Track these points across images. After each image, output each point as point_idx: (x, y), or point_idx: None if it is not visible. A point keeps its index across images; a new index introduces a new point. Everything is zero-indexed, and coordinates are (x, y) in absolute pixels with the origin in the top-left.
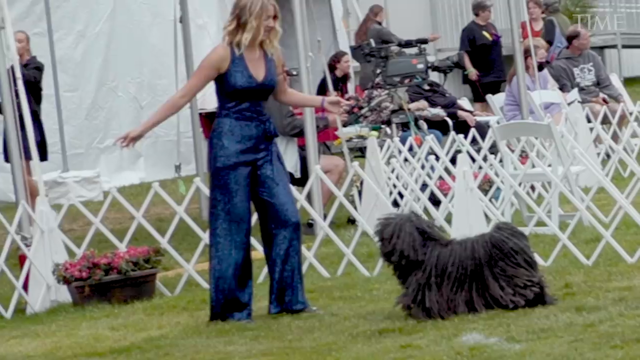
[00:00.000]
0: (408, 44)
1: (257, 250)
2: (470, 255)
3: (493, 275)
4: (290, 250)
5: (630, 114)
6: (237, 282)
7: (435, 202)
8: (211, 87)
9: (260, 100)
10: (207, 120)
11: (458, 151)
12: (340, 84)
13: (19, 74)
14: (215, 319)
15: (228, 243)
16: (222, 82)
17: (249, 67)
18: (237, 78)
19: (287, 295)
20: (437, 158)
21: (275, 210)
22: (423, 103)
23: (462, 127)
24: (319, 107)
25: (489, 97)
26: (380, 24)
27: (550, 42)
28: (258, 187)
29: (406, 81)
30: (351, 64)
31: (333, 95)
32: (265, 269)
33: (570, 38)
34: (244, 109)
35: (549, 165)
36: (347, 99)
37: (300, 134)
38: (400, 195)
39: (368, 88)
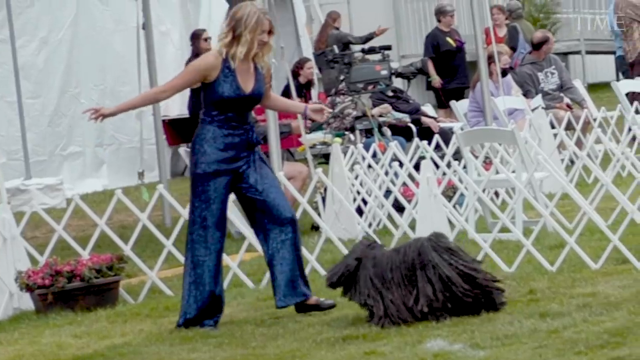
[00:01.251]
0: (371, 50)
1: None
2: (402, 259)
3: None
4: (287, 244)
5: (594, 120)
6: (211, 288)
7: (399, 208)
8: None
9: (245, 110)
10: (170, 127)
11: (422, 157)
12: (304, 90)
13: None
14: (188, 325)
15: (203, 249)
16: (210, 90)
17: (239, 78)
18: (225, 88)
19: (291, 288)
20: (401, 164)
21: (269, 207)
22: (386, 107)
23: (426, 134)
24: (302, 115)
25: (452, 103)
26: (338, 29)
27: (513, 48)
28: (245, 191)
29: (370, 87)
30: (315, 71)
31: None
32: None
33: (540, 43)
34: (229, 118)
35: (513, 172)
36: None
37: (263, 140)
38: (364, 201)
39: (332, 95)
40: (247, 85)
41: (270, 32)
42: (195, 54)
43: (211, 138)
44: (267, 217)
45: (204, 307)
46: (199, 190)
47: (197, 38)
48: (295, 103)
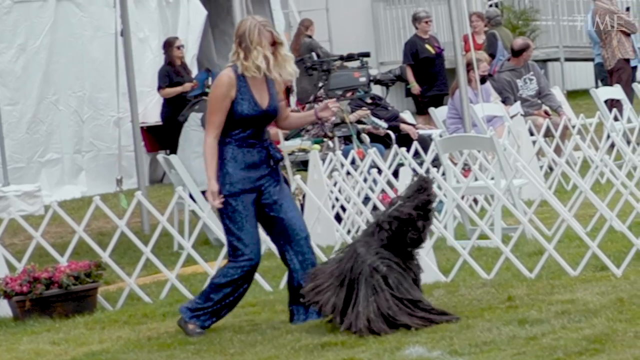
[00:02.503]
0: (350, 57)
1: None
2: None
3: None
4: (303, 264)
5: (573, 127)
6: (230, 309)
7: None
8: (154, 99)
9: (263, 127)
10: (149, 134)
11: (400, 164)
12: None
13: None
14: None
15: (239, 268)
16: (229, 110)
17: (254, 94)
18: (244, 106)
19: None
20: (380, 171)
21: (284, 226)
22: (365, 111)
23: (405, 141)
24: (316, 119)
25: (431, 110)
26: (310, 37)
27: (492, 55)
28: (265, 209)
29: (348, 94)
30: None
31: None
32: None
33: (520, 50)
34: (247, 136)
35: (492, 178)
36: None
37: None
38: (343, 208)
39: (309, 102)
40: (263, 101)
41: (275, 44)
42: (168, 62)
43: (232, 158)
44: (282, 236)
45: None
46: (229, 210)
47: (169, 46)
48: (306, 113)
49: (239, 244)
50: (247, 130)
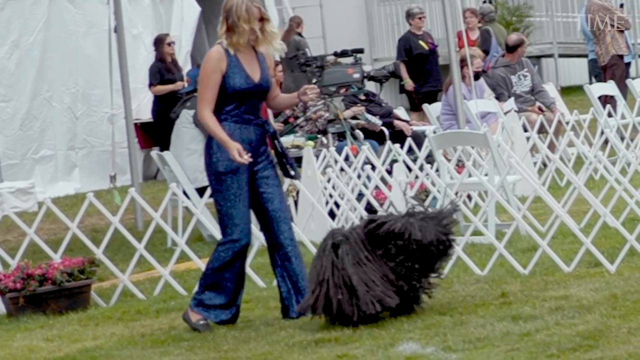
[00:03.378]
0: (344, 53)
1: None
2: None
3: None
4: (291, 259)
5: (567, 123)
6: (227, 286)
7: (372, 211)
8: (147, 96)
9: (257, 102)
10: (142, 130)
11: (394, 161)
12: None
13: None
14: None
15: (229, 249)
16: (221, 85)
17: (245, 67)
18: (236, 80)
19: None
20: (374, 168)
21: (270, 218)
22: (359, 107)
23: (399, 137)
24: (298, 101)
25: (425, 106)
26: (300, 34)
27: (486, 52)
28: (256, 189)
29: (342, 91)
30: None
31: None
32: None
33: (515, 46)
34: (243, 112)
35: (486, 175)
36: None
37: None
38: (337, 205)
39: None
40: (255, 74)
41: (262, 19)
42: (159, 58)
43: (229, 134)
44: (269, 231)
45: (216, 302)
46: (224, 187)
47: (160, 43)
48: (291, 95)
49: (230, 223)
50: (242, 105)
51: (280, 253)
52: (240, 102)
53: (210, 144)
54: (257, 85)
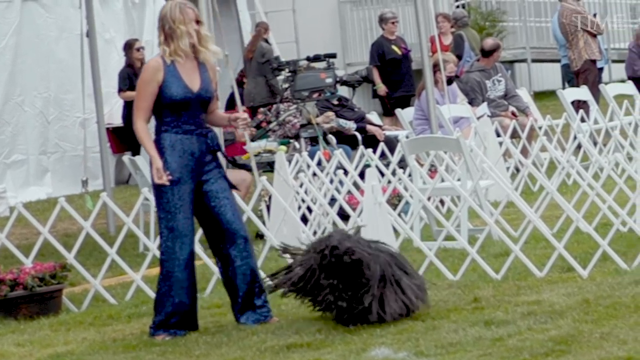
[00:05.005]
0: (317, 58)
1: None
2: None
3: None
4: (244, 267)
5: (540, 128)
6: (181, 299)
7: (344, 216)
8: (120, 101)
9: (198, 112)
10: (114, 135)
11: (367, 165)
12: None
13: None
14: (158, 330)
15: (173, 260)
16: (158, 95)
17: (183, 77)
18: (173, 90)
19: (253, 307)
20: (346, 172)
21: (224, 229)
22: (329, 114)
23: (371, 142)
24: (227, 125)
25: (398, 111)
26: (267, 40)
27: (459, 56)
28: (206, 203)
29: (315, 95)
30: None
31: (242, 110)
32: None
33: (491, 51)
34: (183, 123)
35: (458, 180)
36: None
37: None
38: (309, 209)
39: (274, 102)
40: (194, 84)
41: (198, 22)
42: (128, 64)
43: (169, 146)
44: (223, 239)
45: (175, 318)
46: (164, 200)
47: (129, 48)
48: (224, 115)
49: (171, 236)
50: (182, 116)
51: (233, 266)
52: (180, 112)
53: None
54: (196, 95)
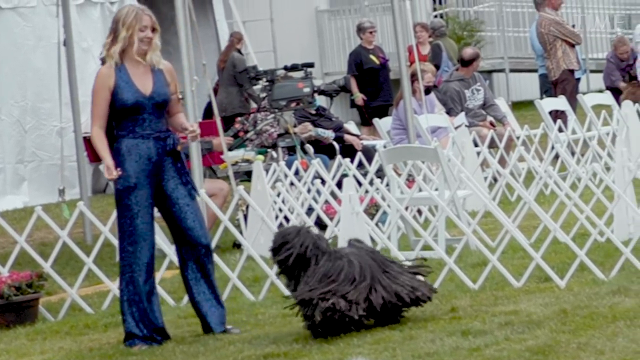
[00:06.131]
0: (294, 67)
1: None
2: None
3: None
4: (201, 276)
5: (518, 138)
6: (144, 304)
7: (322, 226)
8: None
9: (154, 116)
10: (91, 144)
11: (344, 175)
12: None
13: None
14: (131, 340)
15: (134, 265)
16: (112, 100)
17: (135, 81)
18: (124, 94)
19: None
20: (323, 182)
21: (184, 235)
22: (305, 125)
23: (349, 151)
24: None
25: (375, 121)
26: (239, 50)
27: (437, 66)
28: (168, 206)
29: (292, 105)
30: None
31: (219, 120)
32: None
33: (471, 60)
34: (139, 127)
35: (436, 189)
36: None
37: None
38: (287, 219)
39: (251, 112)
40: (146, 88)
41: (153, 30)
42: None
43: (126, 151)
44: (183, 244)
45: (145, 323)
46: (123, 205)
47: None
48: (182, 122)
49: (131, 240)
50: (137, 120)
51: (195, 272)
52: (135, 116)
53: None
54: (148, 98)
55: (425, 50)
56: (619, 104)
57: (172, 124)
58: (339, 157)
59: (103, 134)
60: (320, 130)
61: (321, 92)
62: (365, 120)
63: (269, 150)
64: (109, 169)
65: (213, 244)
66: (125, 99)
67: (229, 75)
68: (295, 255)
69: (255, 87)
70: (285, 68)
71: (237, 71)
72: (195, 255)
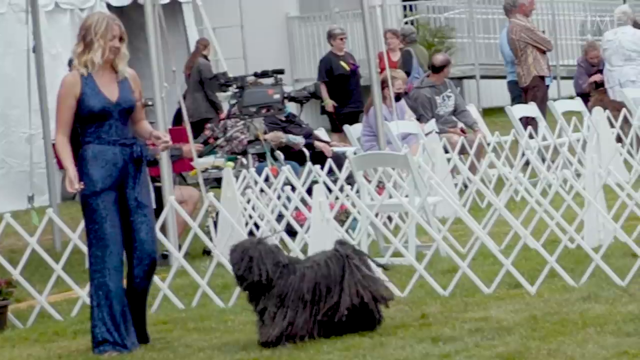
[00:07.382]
0: (264, 74)
1: None
2: (327, 273)
3: (355, 284)
4: (141, 288)
5: (488, 144)
6: (115, 309)
7: (292, 232)
8: None
9: (119, 122)
10: None
11: (314, 182)
12: None
13: None
14: (101, 346)
15: (103, 270)
16: (78, 108)
17: (101, 88)
18: (91, 101)
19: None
20: (293, 189)
21: (135, 246)
22: (278, 134)
23: (319, 158)
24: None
25: (346, 127)
26: (206, 57)
27: (407, 73)
28: (129, 219)
29: (263, 111)
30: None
31: (188, 127)
32: None
33: (442, 66)
34: (105, 133)
35: (406, 196)
36: (205, 130)
37: (154, 163)
38: (257, 226)
39: (222, 119)
40: (112, 94)
41: (121, 39)
42: None
43: (92, 157)
44: (133, 254)
45: (114, 329)
46: (90, 211)
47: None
48: (148, 130)
49: (98, 245)
50: (103, 126)
51: (133, 282)
52: (101, 123)
53: (78, 169)
54: (115, 104)
55: (396, 56)
56: (589, 110)
57: (137, 131)
58: (309, 163)
59: (67, 142)
60: (291, 137)
61: (291, 99)
62: (336, 127)
63: (239, 157)
64: (71, 181)
65: (183, 251)
66: (92, 106)
67: (194, 81)
68: (255, 282)
69: (225, 94)
70: (256, 74)
71: (204, 77)
72: (141, 268)
